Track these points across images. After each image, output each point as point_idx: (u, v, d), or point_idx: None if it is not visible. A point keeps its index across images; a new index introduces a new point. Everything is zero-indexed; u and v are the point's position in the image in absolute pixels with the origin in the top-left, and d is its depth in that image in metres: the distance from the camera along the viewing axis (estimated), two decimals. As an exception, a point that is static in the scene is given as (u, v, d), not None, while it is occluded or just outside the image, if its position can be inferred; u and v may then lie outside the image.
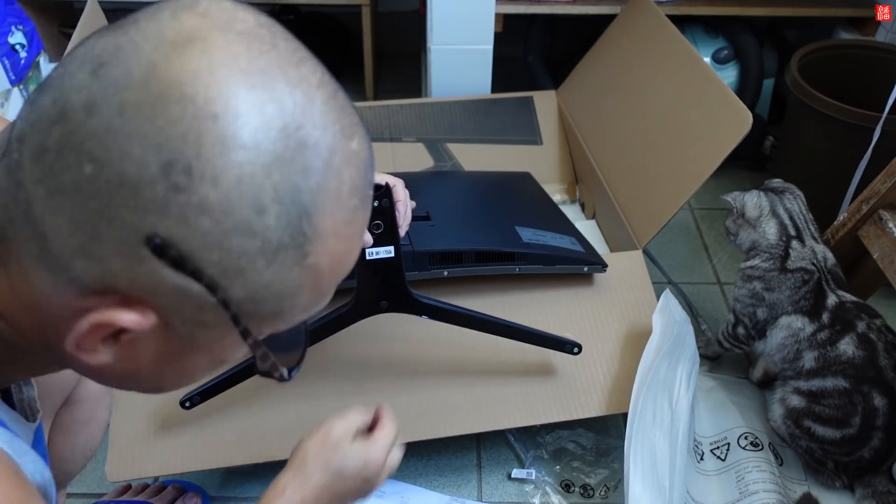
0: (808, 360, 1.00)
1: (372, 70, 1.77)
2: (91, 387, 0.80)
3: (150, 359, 0.41)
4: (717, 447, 1.06)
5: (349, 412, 0.68)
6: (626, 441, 0.89)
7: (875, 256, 1.00)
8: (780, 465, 1.04)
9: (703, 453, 1.05)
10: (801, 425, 1.01)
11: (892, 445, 0.98)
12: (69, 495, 1.02)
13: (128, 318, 0.37)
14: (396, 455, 0.70)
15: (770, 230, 1.05)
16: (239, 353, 0.44)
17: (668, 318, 1.00)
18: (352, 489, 0.67)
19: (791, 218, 1.05)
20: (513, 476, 1.04)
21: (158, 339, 0.40)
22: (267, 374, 0.46)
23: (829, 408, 0.99)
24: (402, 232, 0.83)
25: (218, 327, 0.40)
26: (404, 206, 0.83)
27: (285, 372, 0.46)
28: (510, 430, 1.08)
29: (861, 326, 0.99)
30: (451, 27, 1.42)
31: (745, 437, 1.06)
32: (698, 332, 1.26)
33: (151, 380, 0.44)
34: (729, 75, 1.62)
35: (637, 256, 1.11)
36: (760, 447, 1.04)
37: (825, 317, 1.00)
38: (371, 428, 0.69)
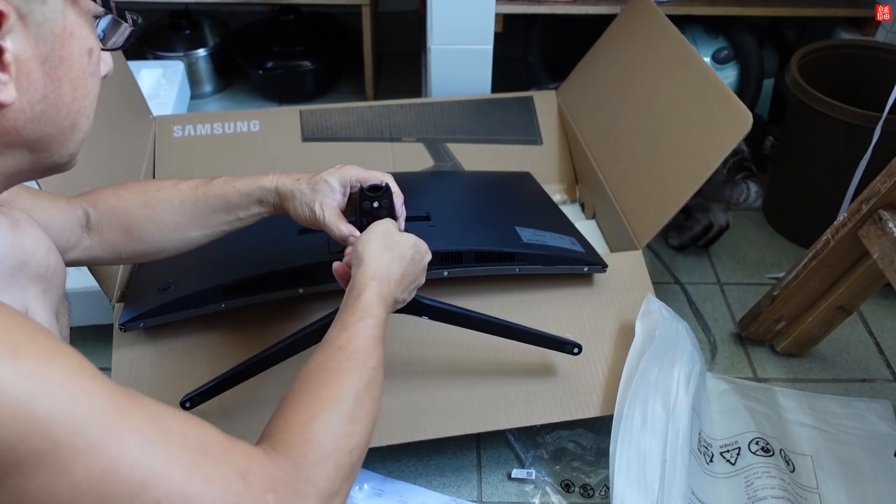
0: None
1: (372, 70, 1.77)
2: None
3: (38, 73, 0.49)
4: (728, 451, 1.05)
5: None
6: (611, 445, 0.90)
7: (875, 256, 1.00)
8: (792, 471, 1.03)
9: (712, 455, 1.05)
10: None
11: None
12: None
13: None
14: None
15: None
16: (89, 27, 0.52)
17: (651, 322, 1.00)
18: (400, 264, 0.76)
19: None
20: (513, 476, 1.04)
21: (29, 41, 0.48)
22: (122, 19, 0.55)
23: None
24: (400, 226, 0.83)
25: None
26: (399, 198, 0.84)
27: (133, 16, 0.55)
28: (510, 430, 1.08)
29: None
30: (451, 27, 1.42)
31: (756, 443, 1.05)
32: (698, 333, 1.27)
33: (58, 103, 0.51)
34: (729, 75, 1.62)
35: (637, 256, 1.11)
36: (771, 453, 1.04)
37: None
38: None
